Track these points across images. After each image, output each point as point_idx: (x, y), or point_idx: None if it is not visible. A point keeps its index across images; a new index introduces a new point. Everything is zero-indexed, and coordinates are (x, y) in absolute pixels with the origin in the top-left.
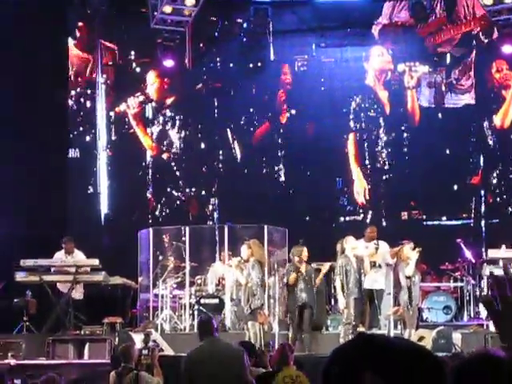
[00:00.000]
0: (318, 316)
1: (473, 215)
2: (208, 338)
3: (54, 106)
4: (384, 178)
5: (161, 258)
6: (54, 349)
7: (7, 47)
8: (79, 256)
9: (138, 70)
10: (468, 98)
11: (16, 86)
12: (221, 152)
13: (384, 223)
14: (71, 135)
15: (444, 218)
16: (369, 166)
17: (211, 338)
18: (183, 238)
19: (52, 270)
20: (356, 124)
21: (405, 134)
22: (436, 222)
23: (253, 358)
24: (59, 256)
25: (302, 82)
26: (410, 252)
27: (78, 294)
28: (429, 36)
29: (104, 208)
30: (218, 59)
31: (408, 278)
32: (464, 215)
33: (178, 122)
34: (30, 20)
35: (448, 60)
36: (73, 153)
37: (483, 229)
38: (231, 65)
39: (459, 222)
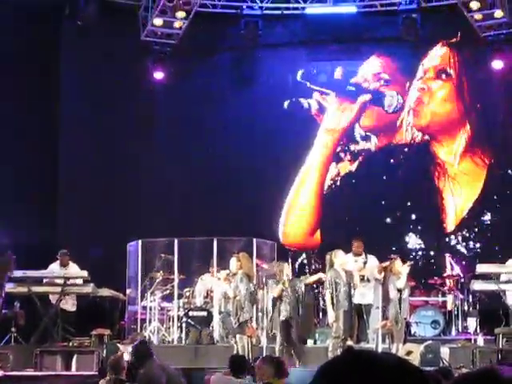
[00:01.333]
0: (306, 329)
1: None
2: (150, 360)
3: (47, 119)
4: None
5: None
6: (41, 360)
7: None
8: (73, 269)
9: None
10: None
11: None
12: (209, 164)
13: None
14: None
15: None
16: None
17: (152, 359)
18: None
19: (44, 280)
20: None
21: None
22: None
23: (245, 372)
24: (53, 267)
25: (292, 95)
26: (401, 266)
27: (70, 305)
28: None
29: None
30: (207, 72)
31: (398, 291)
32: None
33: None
34: (27, 28)
35: (444, 76)
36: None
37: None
38: (221, 77)
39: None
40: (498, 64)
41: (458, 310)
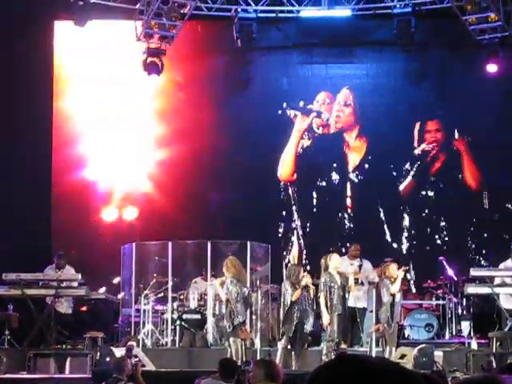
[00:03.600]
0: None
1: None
2: None
3: (39, 116)
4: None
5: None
6: (35, 363)
7: None
8: (69, 272)
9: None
10: None
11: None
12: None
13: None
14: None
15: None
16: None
17: None
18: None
19: (40, 283)
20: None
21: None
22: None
23: (235, 375)
24: (49, 270)
25: (285, 99)
26: (396, 270)
27: (65, 308)
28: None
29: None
30: (202, 74)
31: (392, 295)
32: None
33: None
34: (18, 28)
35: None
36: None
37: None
38: (215, 80)
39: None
40: (492, 67)
41: (451, 314)
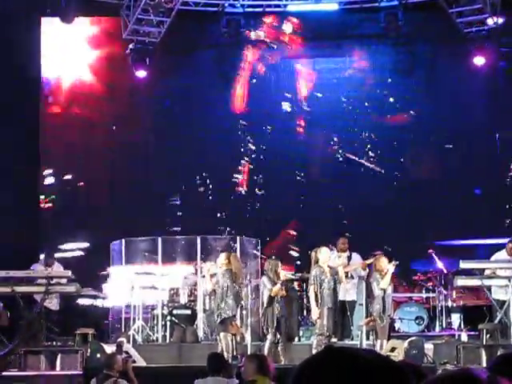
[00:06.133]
0: (291, 327)
1: None
2: None
3: (27, 122)
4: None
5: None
6: (25, 360)
7: None
8: (58, 269)
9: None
10: None
11: None
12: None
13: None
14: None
15: None
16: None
17: None
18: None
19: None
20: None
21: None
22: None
23: (222, 369)
24: (37, 267)
25: (271, 92)
26: (387, 264)
27: (54, 305)
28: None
29: None
30: (189, 69)
31: (382, 289)
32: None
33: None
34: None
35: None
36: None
37: None
38: (203, 75)
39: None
40: (479, 60)
41: (441, 307)
